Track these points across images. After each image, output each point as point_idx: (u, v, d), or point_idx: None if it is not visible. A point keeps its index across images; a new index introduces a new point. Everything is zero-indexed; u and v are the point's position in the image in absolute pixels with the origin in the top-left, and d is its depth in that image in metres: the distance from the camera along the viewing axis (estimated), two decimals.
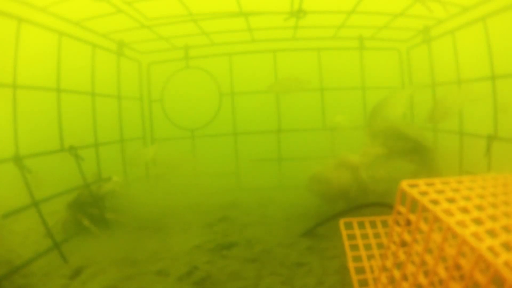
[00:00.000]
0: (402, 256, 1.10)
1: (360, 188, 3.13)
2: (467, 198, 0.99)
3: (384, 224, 1.86)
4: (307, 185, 3.19)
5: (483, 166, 2.72)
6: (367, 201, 2.51)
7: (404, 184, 1.04)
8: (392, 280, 1.17)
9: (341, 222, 1.90)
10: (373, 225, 1.88)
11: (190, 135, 4.38)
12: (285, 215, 3.14)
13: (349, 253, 1.74)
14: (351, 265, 1.68)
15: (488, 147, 2.67)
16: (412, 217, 1.01)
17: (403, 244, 1.08)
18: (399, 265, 1.12)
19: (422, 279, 0.99)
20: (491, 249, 0.75)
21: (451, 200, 0.96)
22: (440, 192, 1.00)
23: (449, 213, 0.88)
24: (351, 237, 1.82)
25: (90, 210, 2.95)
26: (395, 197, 1.08)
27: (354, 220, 1.90)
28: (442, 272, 0.91)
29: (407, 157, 3.10)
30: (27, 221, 2.89)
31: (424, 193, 0.99)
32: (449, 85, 3.45)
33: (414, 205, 0.97)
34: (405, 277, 1.11)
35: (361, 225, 1.88)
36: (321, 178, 3.07)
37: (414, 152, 3.11)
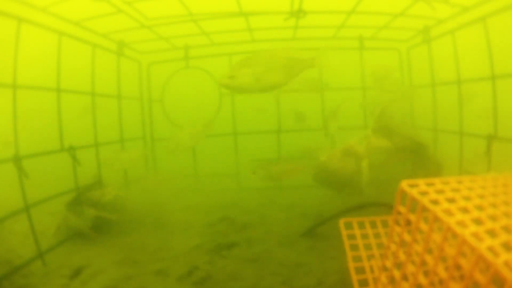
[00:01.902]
0: (402, 256, 1.09)
1: (364, 178, 3.13)
2: (467, 198, 0.99)
3: (384, 224, 1.86)
4: (313, 174, 3.14)
5: (483, 166, 2.71)
6: (367, 201, 2.51)
7: (404, 184, 1.04)
8: (392, 280, 1.17)
9: (341, 222, 1.90)
10: (373, 225, 1.88)
11: None
12: (285, 215, 3.14)
13: (349, 253, 1.74)
14: (351, 265, 1.68)
15: (488, 147, 2.67)
16: (412, 217, 1.01)
17: (403, 244, 1.08)
18: (399, 265, 1.12)
19: (422, 279, 0.99)
20: (491, 249, 0.75)
21: (451, 200, 0.96)
22: (440, 192, 1.00)
23: (449, 213, 0.88)
24: (351, 237, 1.82)
25: (88, 213, 2.93)
26: (395, 197, 1.08)
27: (354, 220, 1.90)
28: (442, 272, 0.91)
29: (406, 155, 3.11)
30: (27, 221, 2.89)
31: (424, 193, 0.99)
32: (448, 85, 3.45)
33: (414, 205, 0.97)
34: (405, 277, 1.11)
35: (361, 225, 1.88)
36: (327, 167, 3.04)
37: (411, 151, 3.11)
